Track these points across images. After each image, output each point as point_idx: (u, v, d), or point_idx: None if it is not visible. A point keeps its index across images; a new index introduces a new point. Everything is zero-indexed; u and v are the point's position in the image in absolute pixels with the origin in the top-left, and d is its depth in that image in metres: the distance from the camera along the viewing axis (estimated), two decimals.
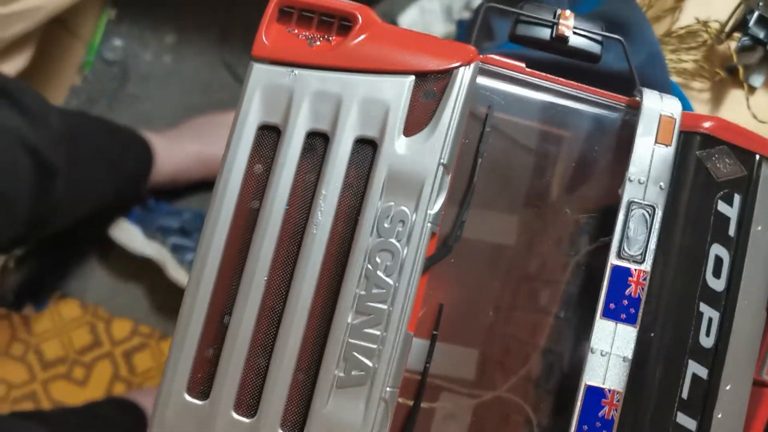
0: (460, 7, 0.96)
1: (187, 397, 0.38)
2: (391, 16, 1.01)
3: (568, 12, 0.43)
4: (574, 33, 0.43)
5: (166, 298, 1.04)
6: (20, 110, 0.67)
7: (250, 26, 1.10)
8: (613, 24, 0.53)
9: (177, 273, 0.99)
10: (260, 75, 0.39)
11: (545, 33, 0.43)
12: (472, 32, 0.48)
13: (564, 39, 0.43)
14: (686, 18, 0.68)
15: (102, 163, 0.86)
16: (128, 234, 1.00)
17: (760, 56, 0.64)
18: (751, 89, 0.66)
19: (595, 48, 0.43)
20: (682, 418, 0.39)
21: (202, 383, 0.38)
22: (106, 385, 1.05)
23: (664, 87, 0.53)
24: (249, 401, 0.38)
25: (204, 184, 1.04)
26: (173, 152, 0.98)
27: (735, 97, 0.67)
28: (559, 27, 0.43)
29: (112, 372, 1.05)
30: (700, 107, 0.68)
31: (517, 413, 0.50)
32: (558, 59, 0.46)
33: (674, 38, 0.69)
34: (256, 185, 0.39)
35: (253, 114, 0.39)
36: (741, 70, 0.64)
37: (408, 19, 0.98)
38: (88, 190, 0.84)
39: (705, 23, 0.66)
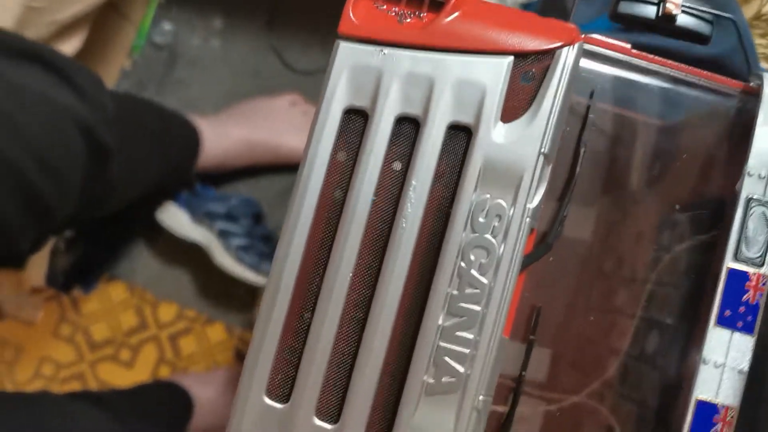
0: None
1: (267, 400, 0.35)
2: None
3: None
4: (683, 12, 0.39)
5: (212, 283, 1.04)
6: (75, 90, 0.66)
7: (298, 11, 1.09)
8: None
9: (223, 258, 0.99)
10: (347, 54, 0.36)
11: (650, 11, 0.40)
12: (543, 13, 0.44)
13: (671, 18, 0.39)
14: None
15: (152, 147, 0.86)
16: (176, 218, 1.01)
17: None
18: None
19: (705, 28, 0.39)
20: None
21: (283, 385, 0.36)
22: (151, 368, 1.06)
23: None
24: (332, 407, 0.36)
25: (250, 170, 1.04)
26: (220, 137, 0.97)
27: None
28: (666, 4, 0.39)
29: (157, 355, 1.06)
30: None
31: (594, 421, 0.46)
32: (648, 44, 0.42)
33: (764, 22, 0.65)
34: (341, 174, 0.36)
35: (338, 97, 0.36)
36: None
37: None
38: (138, 172, 0.84)
39: None
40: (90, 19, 0.88)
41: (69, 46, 0.86)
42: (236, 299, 1.04)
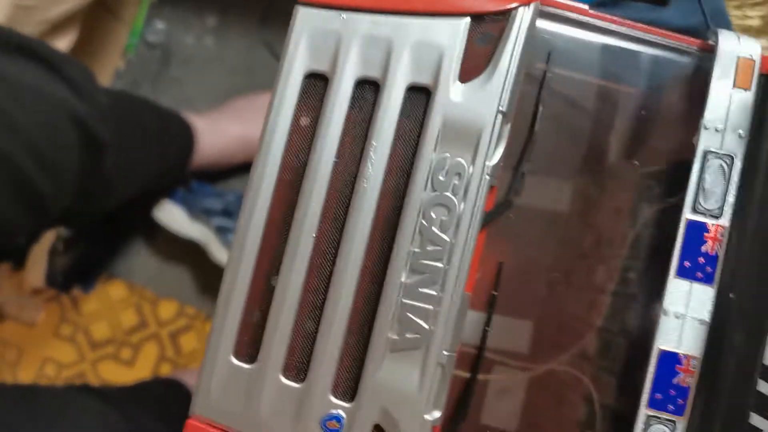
0: None
1: (234, 360, 0.36)
2: None
3: None
4: None
5: (211, 280, 1.05)
6: (68, 84, 0.67)
7: (290, 7, 1.11)
8: None
9: (221, 254, 0.99)
10: (306, 19, 0.37)
11: None
12: None
13: None
14: None
15: (147, 143, 0.87)
16: (172, 215, 1.01)
17: None
18: None
19: None
20: (765, 386, 0.36)
21: (250, 346, 0.36)
22: (152, 366, 1.06)
23: None
24: (298, 365, 0.36)
25: (246, 166, 1.04)
26: (215, 134, 0.97)
27: None
28: None
29: (158, 353, 1.06)
30: None
31: (575, 389, 0.47)
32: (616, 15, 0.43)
33: None
34: (303, 138, 0.37)
35: (299, 61, 0.37)
36: None
37: None
38: (134, 168, 0.84)
39: None
40: (80, 17, 0.89)
41: (60, 45, 0.87)
42: None
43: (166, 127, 0.92)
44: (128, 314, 1.07)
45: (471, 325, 0.40)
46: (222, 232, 0.99)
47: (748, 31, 0.66)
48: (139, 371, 1.05)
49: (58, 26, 0.85)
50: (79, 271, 1.06)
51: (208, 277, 1.05)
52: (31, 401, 0.72)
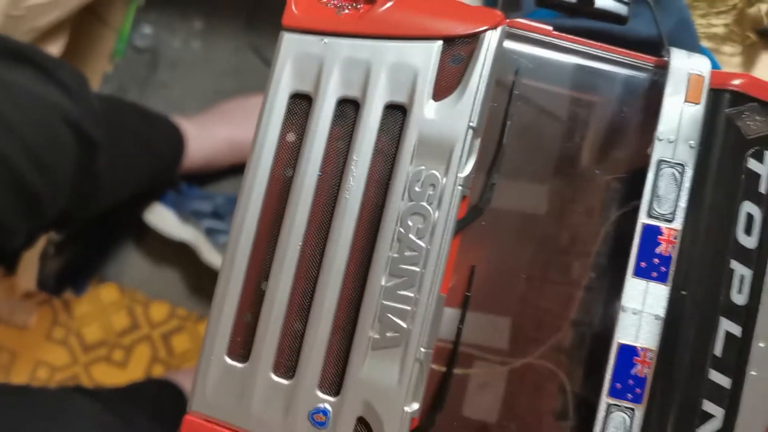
0: None
1: (228, 360, 0.39)
2: None
3: None
4: None
5: (202, 281, 1.06)
6: (61, 87, 0.69)
7: (276, 10, 1.12)
8: None
9: (211, 256, 1.00)
10: (291, 44, 0.40)
11: None
12: (497, 3, 0.48)
13: (590, 1, 0.43)
14: None
15: (138, 146, 0.88)
16: (163, 218, 1.02)
17: None
18: None
19: (622, 9, 0.43)
20: (716, 376, 0.39)
21: (242, 347, 0.39)
22: (145, 367, 1.07)
23: (694, 52, 0.53)
24: (287, 363, 0.39)
25: (234, 169, 1.05)
26: (204, 138, 0.99)
27: (767, 60, 0.66)
28: None
29: (150, 354, 1.08)
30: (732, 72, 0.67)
31: (551, 381, 0.50)
32: (588, 29, 0.46)
33: (703, 2, 0.68)
34: (290, 153, 0.40)
35: (284, 83, 0.40)
36: None
37: None
38: (125, 170, 0.85)
39: None
40: (69, 24, 0.90)
41: (50, 51, 0.88)
42: None
43: (155, 131, 0.93)
44: (120, 316, 1.08)
45: (454, 322, 0.43)
46: (212, 233, 1.00)
47: (713, 39, 0.69)
48: (132, 373, 1.06)
49: (47, 33, 0.87)
50: (70, 275, 1.06)
51: (198, 278, 1.06)
52: (27, 401, 0.73)
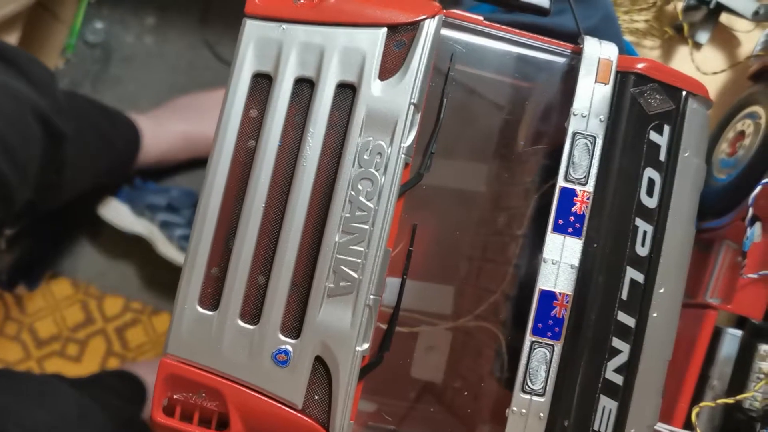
0: None
1: (199, 309, 0.44)
2: None
3: None
4: None
5: (157, 274, 1.06)
6: (29, 80, 0.71)
7: (229, 6, 1.08)
8: None
9: (166, 249, 1.00)
10: (253, 30, 0.45)
11: None
12: None
13: None
14: None
15: (97, 139, 0.89)
16: (117, 212, 1.01)
17: (704, 15, 0.71)
18: (697, 45, 0.73)
19: (544, 2, 0.49)
20: (623, 316, 0.46)
21: (212, 297, 0.44)
22: (100, 361, 1.06)
23: (618, 46, 0.60)
24: (252, 311, 0.44)
25: (190, 163, 1.06)
26: (159, 133, 1.00)
27: (683, 53, 0.74)
28: None
29: (105, 348, 1.07)
30: None
31: (489, 337, 0.56)
32: (524, 23, 0.52)
33: (626, 0, 0.76)
34: (252, 127, 0.45)
35: (247, 64, 0.45)
36: (686, 28, 0.71)
37: None
38: (87, 162, 0.86)
39: None
40: (22, 18, 0.91)
41: None
42: None
43: (112, 125, 0.94)
44: (73, 311, 1.07)
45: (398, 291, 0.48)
46: (167, 226, 1.00)
47: (635, 33, 0.76)
48: (87, 367, 1.06)
49: (1, 27, 0.88)
50: (23, 270, 1.05)
51: (153, 271, 1.06)
52: (13, 384, 0.74)
